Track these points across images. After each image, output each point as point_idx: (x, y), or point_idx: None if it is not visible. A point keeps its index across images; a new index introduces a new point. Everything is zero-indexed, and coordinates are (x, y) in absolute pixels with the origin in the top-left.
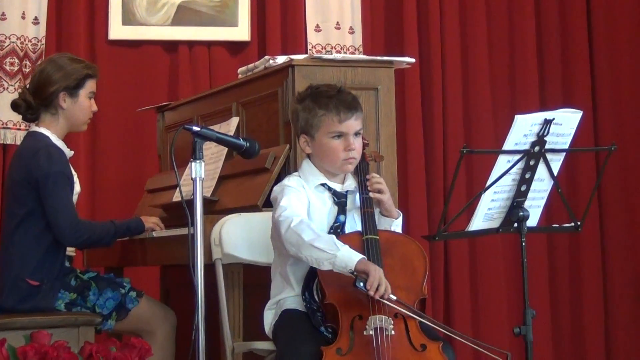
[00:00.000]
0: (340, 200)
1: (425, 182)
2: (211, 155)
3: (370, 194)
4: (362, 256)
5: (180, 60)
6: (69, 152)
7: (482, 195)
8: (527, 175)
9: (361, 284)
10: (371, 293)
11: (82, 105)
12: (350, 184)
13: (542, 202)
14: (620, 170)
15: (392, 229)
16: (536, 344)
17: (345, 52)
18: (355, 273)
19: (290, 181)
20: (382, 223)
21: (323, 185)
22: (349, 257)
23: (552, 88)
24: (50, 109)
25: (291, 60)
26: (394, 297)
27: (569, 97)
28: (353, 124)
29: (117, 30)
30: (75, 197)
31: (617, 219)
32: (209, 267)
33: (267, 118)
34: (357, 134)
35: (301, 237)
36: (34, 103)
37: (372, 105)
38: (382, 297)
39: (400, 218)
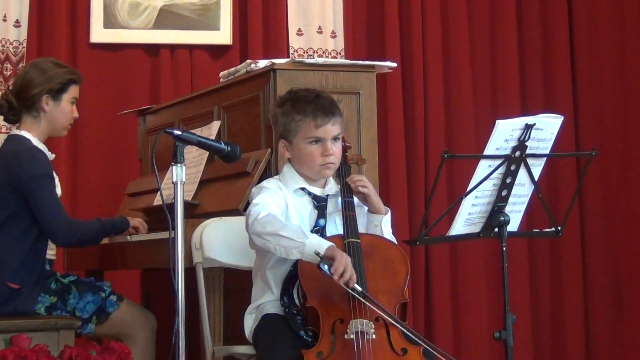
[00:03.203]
0: (320, 204)
1: (406, 186)
2: (192, 159)
3: (357, 191)
4: (331, 243)
5: (161, 63)
6: (50, 155)
7: (463, 200)
8: (508, 180)
9: (325, 266)
10: (335, 278)
11: (64, 110)
12: (331, 187)
13: (523, 207)
14: (601, 176)
15: (382, 225)
16: (516, 348)
17: (327, 56)
18: (321, 255)
19: (269, 183)
20: (372, 220)
21: (302, 189)
22: (318, 243)
23: (534, 93)
24: (32, 111)
25: (273, 64)
26: (359, 289)
27: (550, 102)
28: (330, 129)
29: (99, 34)
30: (58, 198)
31: (597, 224)
32: (190, 271)
33: (249, 122)
34: (335, 138)
35: (266, 228)
36: (16, 104)
37: (354, 110)
38: (346, 285)
39: (389, 214)
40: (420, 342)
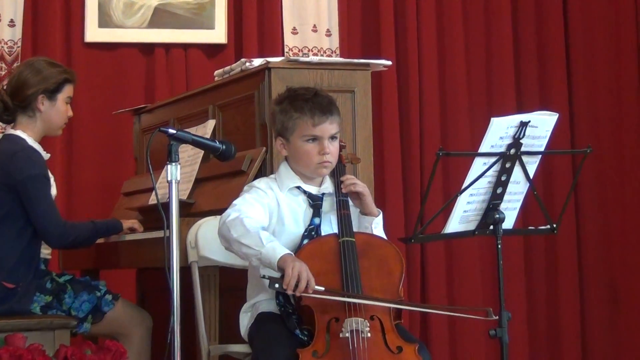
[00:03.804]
0: (315, 202)
1: (401, 184)
2: (187, 157)
3: (349, 192)
4: (285, 252)
5: (156, 62)
6: (45, 155)
7: (458, 198)
8: (503, 178)
9: (276, 285)
10: (289, 292)
11: (59, 109)
12: (327, 186)
13: (518, 205)
14: (596, 173)
15: (374, 227)
16: (512, 346)
17: (322, 55)
18: (266, 277)
19: (260, 183)
20: (363, 222)
21: (298, 188)
22: (272, 254)
23: (529, 90)
24: (28, 111)
25: (268, 62)
26: (321, 288)
27: (545, 100)
28: (328, 127)
29: (94, 33)
30: (53, 199)
31: (593, 221)
32: (185, 270)
33: (244, 121)
34: (333, 137)
35: (230, 232)
36: (11, 105)
37: (349, 108)
38: (305, 291)
39: (381, 216)
40: (432, 310)
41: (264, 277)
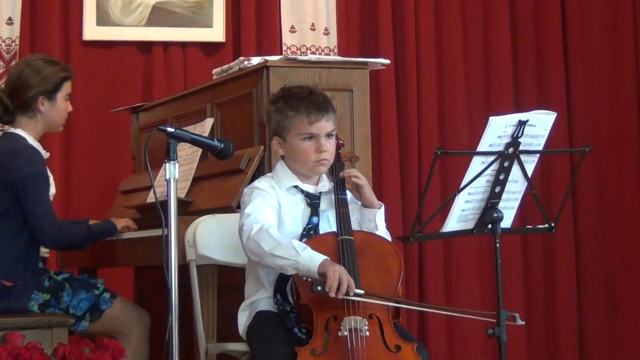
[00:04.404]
0: (313, 201)
1: (400, 183)
2: (185, 156)
3: (349, 184)
4: (323, 257)
5: (154, 61)
6: (45, 154)
7: (457, 197)
8: (501, 177)
9: (318, 288)
10: (332, 295)
11: (59, 108)
12: (325, 185)
13: (516, 204)
14: (594, 172)
15: (377, 219)
16: (509, 345)
17: (320, 53)
18: (309, 279)
19: (261, 183)
20: (366, 214)
21: (295, 187)
22: (310, 262)
23: (527, 89)
24: (28, 112)
25: (266, 61)
26: (362, 291)
27: (543, 99)
28: (324, 125)
29: (92, 31)
30: (50, 199)
31: (591, 220)
32: (183, 268)
33: (242, 119)
34: (329, 135)
35: (261, 246)
36: (11, 106)
37: (347, 106)
38: (347, 294)
39: (383, 208)
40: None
41: (307, 279)
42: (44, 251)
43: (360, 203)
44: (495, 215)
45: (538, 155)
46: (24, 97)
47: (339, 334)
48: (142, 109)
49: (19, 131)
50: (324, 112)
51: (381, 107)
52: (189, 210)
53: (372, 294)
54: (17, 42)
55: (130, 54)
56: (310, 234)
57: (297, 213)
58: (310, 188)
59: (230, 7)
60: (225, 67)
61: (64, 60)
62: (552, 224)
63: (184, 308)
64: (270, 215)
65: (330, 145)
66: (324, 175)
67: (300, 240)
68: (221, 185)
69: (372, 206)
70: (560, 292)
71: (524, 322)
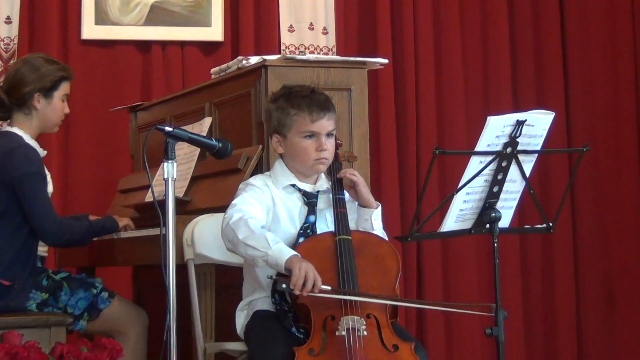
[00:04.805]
0: (310, 200)
1: (398, 182)
2: (184, 155)
3: (346, 182)
4: (292, 253)
5: (153, 60)
6: (42, 152)
7: (455, 196)
8: (500, 177)
9: (283, 286)
10: (297, 292)
11: (55, 107)
12: (322, 184)
13: (514, 203)
14: (593, 172)
15: (373, 219)
16: (508, 344)
17: (318, 53)
18: (273, 277)
19: (256, 180)
20: (362, 214)
21: (293, 185)
22: (279, 255)
23: (525, 89)
24: (24, 109)
25: (264, 60)
26: (328, 287)
27: (541, 99)
28: (325, 124)
29: (90, 30)
30: (49, 197)
31: (589, 220)
32: (181, 268)
33: (240, 118)
34: (329, 134)
35: (236, 234)
36: (7, 102)
37: (345, 106)
38: (312, 291)
39: (380, 208)
40: (433, 307)
41: (270, 277)
42: (42, 250)
43: (357, 203)
44: (493, 215)
45: (536, 155)
46: (20, 92)
47: (337, 333)
48: (141, 108)
49: (15, 130)
50: (326, 111)
51: (379, 107)
52: (187, 209)
53: (339, 290)
54: (16, 41)
55: (128, 53)
56: (307, 233)
57: (294, 211)
58: (307, 187)
59: (229, 6)
60: (223, 66)
61: (63, 59)
62: (550, 224)
63: (182, 307)
64: (257, 209)
65: (330, 145)
66: (322, 175)
67: (298, 239)
68: (219, 184)
69: (369, 205)
70: (558, 292)
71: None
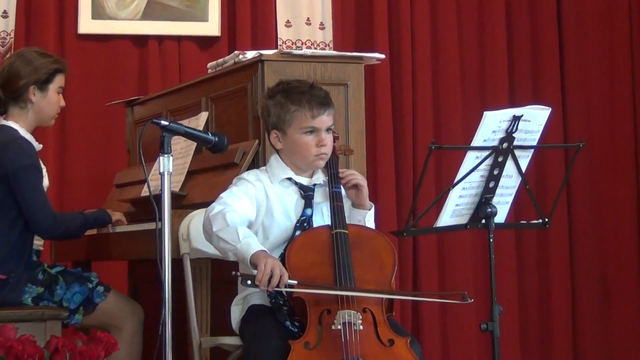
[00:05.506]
0: (306, 193)
1: (394, 177)
2: (180, 149)
3: (349, 186)
4: (259, 249)
5: (149, 54)
6: (37, 146)
7: (451, 191)
8: (496, 172)
9: (248, 282)
10: (262, 288)
11: (51, 100)
12: (319, 177)
13: (510, 199)
14: (589, 167)
15: (366, 220)
16: (503, 340)
17: (315, 48)
18: (238, 274)
19: (249, 175)
20: (355, 215)
21: (289, 179)
22: (246, 249)
23: (522, 84)
24: (19, 102)
25: (261, 55)
26: (294, 282)
27: (538, 94)
28: (325, 119)
29: (87, 25)
30: (44, 190)
31: (585, 216)
32: (177, 262)
33: (237, 113)
34: (328, 129)
35: (212, 226)
36: (2, 96)
37: (342, 101)
38: (278, 286)
39: (373, 209)
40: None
41: (235, 274)
42: (38, 244)
43: (350, 202)
44: (489, 210)
45: (532, 150)
46: (15, 86)
47: (333, 327)
48: (137, 102)
49: (10, 123)
50: (326, 107)
51: (376, 102)
52: (183, 204)
53: (305, 283)
54: (12, 35)
55: (125, 47)
56: (303, 226)
57: (290, 205)
58: (304, 180)
59: (226, 1)
60: (220, 61)
61: (59, 54)
62: (546, 219)
63: (177, 302)
64: (243, 203)
65: (329, 140)
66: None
67: (294, 232)
68: (215, 179)
69: (365, 207)
70: (554, 288)
71: (472, 300)
